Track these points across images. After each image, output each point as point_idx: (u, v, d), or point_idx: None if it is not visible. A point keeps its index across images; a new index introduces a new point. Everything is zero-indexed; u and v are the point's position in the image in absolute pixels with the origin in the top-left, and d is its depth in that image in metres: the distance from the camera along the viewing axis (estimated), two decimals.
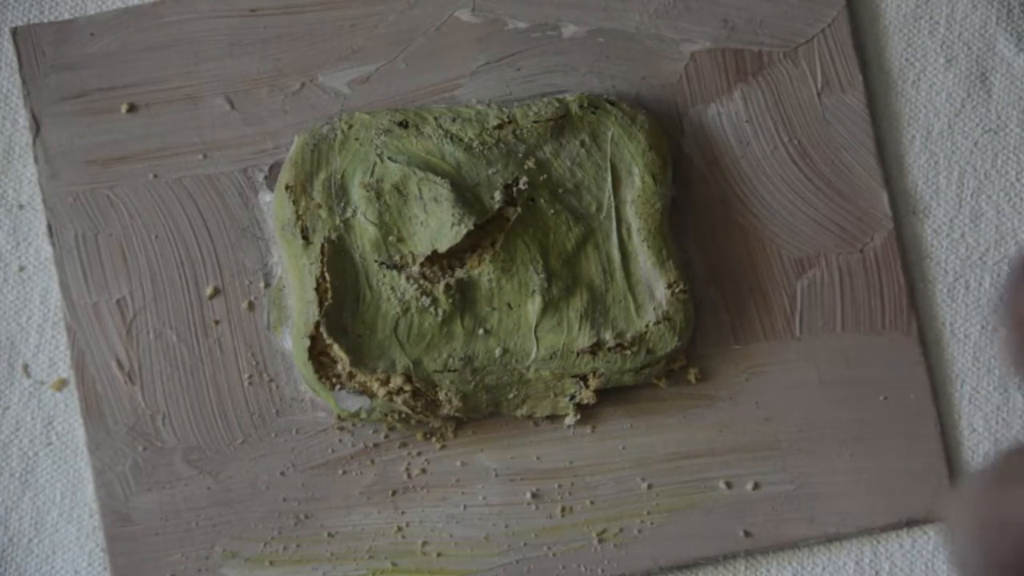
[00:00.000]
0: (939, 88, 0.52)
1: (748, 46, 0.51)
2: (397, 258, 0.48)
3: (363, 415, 0.48)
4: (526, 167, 0.49)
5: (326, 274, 0.48)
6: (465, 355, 0.48)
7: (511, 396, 0.49)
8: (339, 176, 0.49)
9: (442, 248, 0.48)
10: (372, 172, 0.49)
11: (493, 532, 0.50)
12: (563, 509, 0.50)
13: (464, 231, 0.48)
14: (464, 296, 0.48)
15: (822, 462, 0.50)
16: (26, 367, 0.50)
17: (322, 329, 0.48)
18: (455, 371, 0.48)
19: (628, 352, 0.49)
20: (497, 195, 0.49)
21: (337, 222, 0.48)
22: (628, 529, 0.50)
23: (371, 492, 0.50)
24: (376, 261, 0.48)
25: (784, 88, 0.51)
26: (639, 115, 0.50)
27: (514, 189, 0.49)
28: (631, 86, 0.51)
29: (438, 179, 0.48)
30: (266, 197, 0.50)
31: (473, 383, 0.48)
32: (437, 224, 0.48)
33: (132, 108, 0.50)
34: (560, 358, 0.48)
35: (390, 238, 0.48)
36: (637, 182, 0.49)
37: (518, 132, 0.49)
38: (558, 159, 0.49)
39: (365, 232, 0.48)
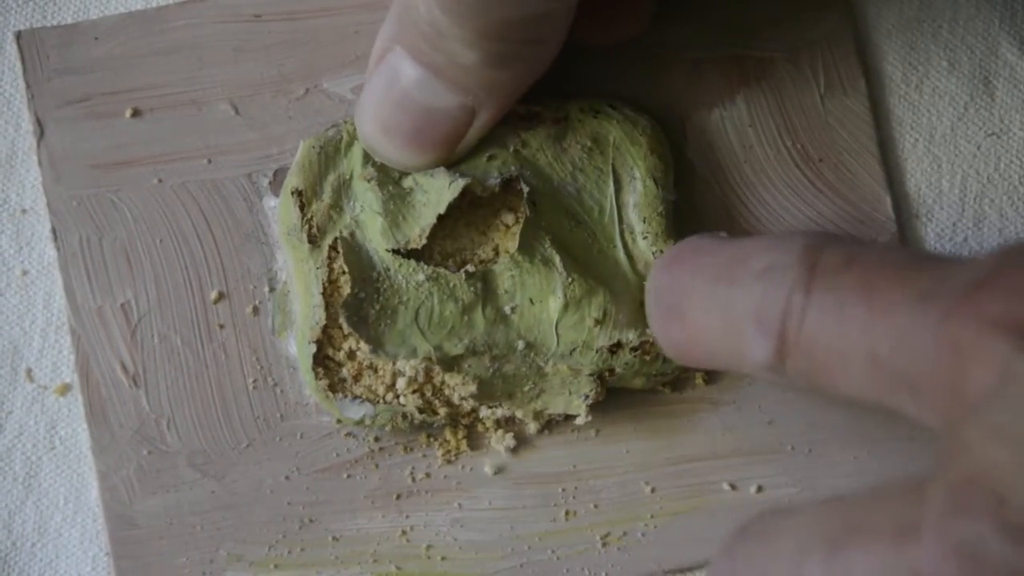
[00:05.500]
0: (942, 92, 0.52)
1: (751, 51, 0.51)
2: (406, 243, 0.48)
3: (367, 422, 0.48)
4: (526, 170, 0.49)
5: (343, 267, 0.48)
6: (486, 343, 0.48)
7: (527, 388, 0.49)
8: (347, 176, 0.49)
9: (442, 209, 0.48)
10: (372, 163, 0.49)
11: (497, 536, 0.50)
12: (567, 513, 0.50)
13: (461, 185, 0.47)
14: (486, 286, 0.48)
15: (826, 465, 0.50)
16: (29, 372, 0.50)
17: (342, 320, 0.47)
18: (476, 355, 0.48)
19: (648, 357, 0.49)
20: (495, 174, 0.49)
21: (348, 220, 0.48)
22: (632, 532, 0.50)
23: (375, 496, 0.50)
24: (387, 250, 0.48)
25: (787, 92, 0.51)
26: (641, 119, 0.50)
27: (519, 186, 0.49)
28: (634, 91, 0.51)
29: None
30: (271, 202, 0.50)
31: (492, 370, 0.48)
32: (437, 196, 0.48)
33: (136, 113, 0.50)
34: (579, 354, 0.48)
35: (397, 226, 0.48)
36: (639, 186, 0.50)
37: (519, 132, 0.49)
38: (559, 163, 0.49)
39: (374, 225, 0.48)
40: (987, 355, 0.35)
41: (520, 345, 0.48)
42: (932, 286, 0.37)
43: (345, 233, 0.48)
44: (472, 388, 0.48)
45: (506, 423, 0.50)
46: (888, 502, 0.37)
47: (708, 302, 0.42)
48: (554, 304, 0.48)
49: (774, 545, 0.39)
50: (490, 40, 0.45)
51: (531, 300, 0.48)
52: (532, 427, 0.50)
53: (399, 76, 0.47)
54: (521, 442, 0.50)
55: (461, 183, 0.47)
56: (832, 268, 0.40)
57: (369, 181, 0.48)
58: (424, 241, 0.48)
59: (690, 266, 0.44)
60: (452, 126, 0.47)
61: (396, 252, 0.48)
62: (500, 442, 0.50)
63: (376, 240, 0.48)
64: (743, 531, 0.41)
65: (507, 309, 0.48)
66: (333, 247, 0.48)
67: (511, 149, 0.49)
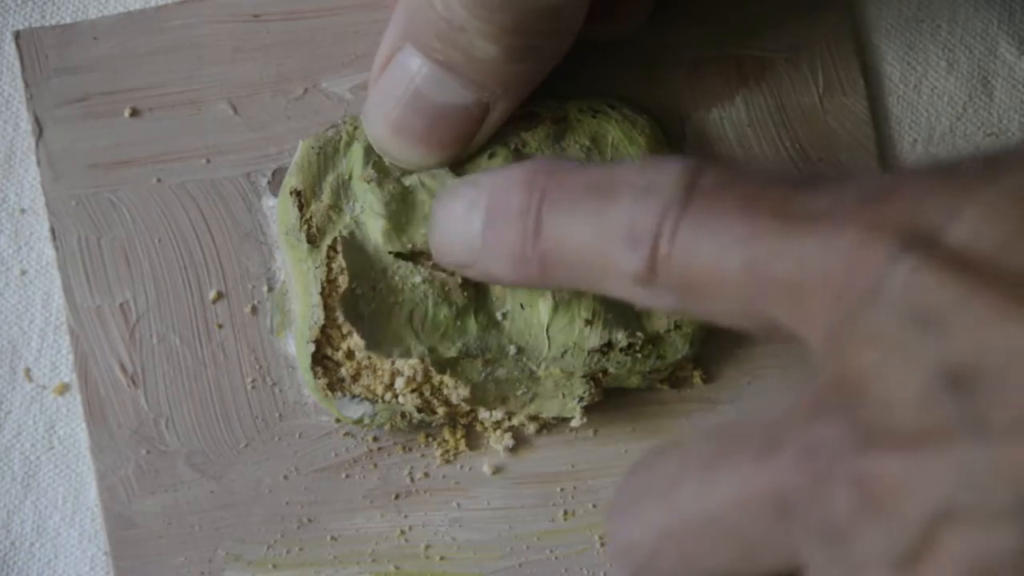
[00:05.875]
0: (941, 92, 0.52)
1: (750, 51, 0.51)
2: (409, 246, 0.48)
3: (365, 421, 0.48)
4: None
5: (342, 265, 0.48)
6: (478, 347, 0.48)
7: (519, 393, 0.49)
8: (347, 176, 0.49)
9: None
10: (373, 164, 0.49)
11: (495, 535, 0.50)
12: (565, 513, 0.50)
13: None
14: (478, 292, 0.48)
15: None
16: (28, 371, 0.50)
17: (339, 313, 0.47)
18: (469, 357, 0.48)
19: (639, 355, 0.49)
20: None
21: (348, 220, 0.48)
22: None
23: (374, 496, 0.50)
24: (389, 252, 0.48)
25: (786, 92, 0.51)
26: (640, 120, 0.50)
27: None
28: (633, 91, 0.51)
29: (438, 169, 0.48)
30: (269, 202, 0.50)
31: (484, 374, 0.48)
32: None
33: (135, 112, 0.50)
34: (571, 356, 0.48)
35: (399, 228, 0.48)
36: None
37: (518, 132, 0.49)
38: None
39: (375, 225, 0.48)
40: (870, 258, 0.35)
41: (512, 350, 0.48)
42: (824, 201, 0.37)
43: (344, 233, 0.48)
44: (465, 392, 0.48)
45: (505, 424, 0.50)
46: (763, 422, 0.37)
47: (573, 216, 0.41)
48: (544, 307, 0.48)
49: (657, 470, 0.39)
50: (512, 34, 0.44)
51: (521, 305, 0.48)
52: (531, 427, 0.50)
53: (410, 75, 0.46)
54: (520, 442, 0.50)
55: None
56: (713, 186, 0.39)
57: (369, 183, 0.48)
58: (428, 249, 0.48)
59: (552, 182, 0.42)
60: (466, 123, 0.47)
61: (399, 255, 0.48)
62: (499, 442, 0.50)
63: (377, 240, 0.48)
64: (639, 461, 0.41)
65: (499, 315, 0.48)
66: (332, 247, 0.48)
67: (511, 148, 0.49)
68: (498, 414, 0.49)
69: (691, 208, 0.39)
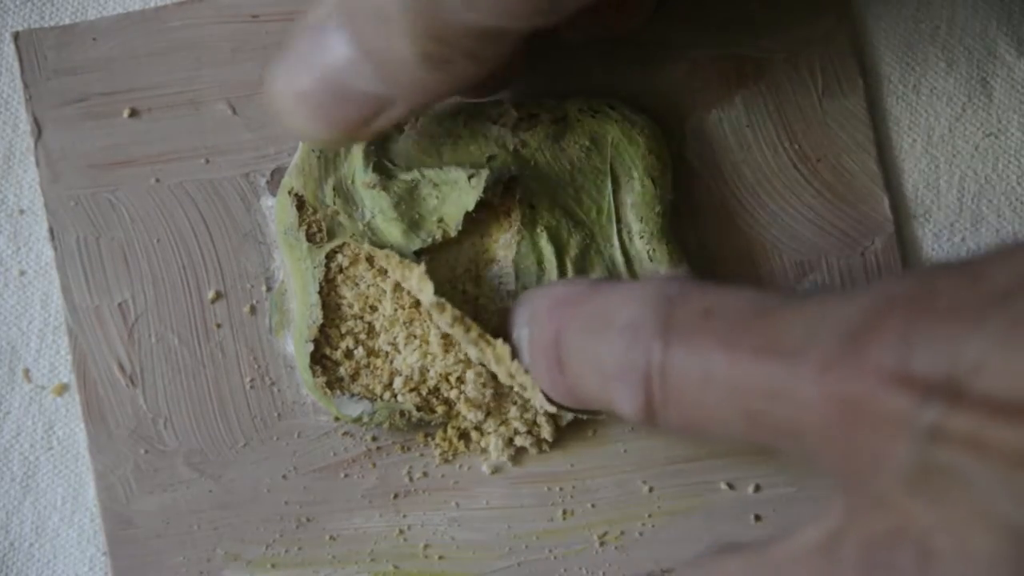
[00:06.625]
0: (940, 92, 0.52)
1: (749, 51, 0.51)
2: (429, 240, 0.48)
3: (364, 419, 0.48)
4: (524, 172, 0.49)
5: (343, 264, 0.48)
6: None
7: None
8: (349, 180, 0.49)
9: (470, 205, 0.48)
10: (372, 168, 0.49)
11: (494, 535, 0.50)
12: (564, 512, 0.50)
13: (484, 176, 0.48)
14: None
15: None
16: (27, 372, 0.50)
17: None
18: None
19: None
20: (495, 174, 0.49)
21: (361, 227, 0.48)
22: (629, 532, 0.50)
23: (373, 495, 0.50)
24: (415, 251, 0.48)
25: (785, 93, 0.51)
26: (639, 119, 0.50)
27: (516, 190, 0.49)
28: (632, 91, 0.51)
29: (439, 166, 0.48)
30: (268, 202, 0.50)
31: None
32: (456, 195, 0.48)
33: (134, 112, 0.50)
34: None
35: (415, 224, 0.48)
36: (637, 186, 0.50)
37: (515, 133, 0.49)
38: (558, 163, 0.49)
39: (391, 229, 0.48)
40: (887, 411, 0.34)
41: None
42: (802, 336, 0.37)
43: (360, 243, 0.48)
44: (482, 398, 0.48)
45: (504, 434, 0.50)
46: (806, 557, 0.37)
47: (581, 354, 0.43)
48: None
49: None
50: (431, 40, 0.43)
51: None
52: (527, 440, 0.50)
53: (331, 49, 0.45)
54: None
55: (484, 174, 0.48)
56: (688, 321, 0.39)
57: (373, 187, 0.48)
58: (455, 232, 0.48)
59: (564, 317, 0.44)
60: (365, 111, 0.46)
61: (422, 252, 0.48)
62: (498, 451, 0.50)
63: (396, 242, 0.48)
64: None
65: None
66: (337, 250, 0.48)
67: (511, 148, 0.49)
68: (492, 424, 0.49)
69: (671, 349, 0.39)
